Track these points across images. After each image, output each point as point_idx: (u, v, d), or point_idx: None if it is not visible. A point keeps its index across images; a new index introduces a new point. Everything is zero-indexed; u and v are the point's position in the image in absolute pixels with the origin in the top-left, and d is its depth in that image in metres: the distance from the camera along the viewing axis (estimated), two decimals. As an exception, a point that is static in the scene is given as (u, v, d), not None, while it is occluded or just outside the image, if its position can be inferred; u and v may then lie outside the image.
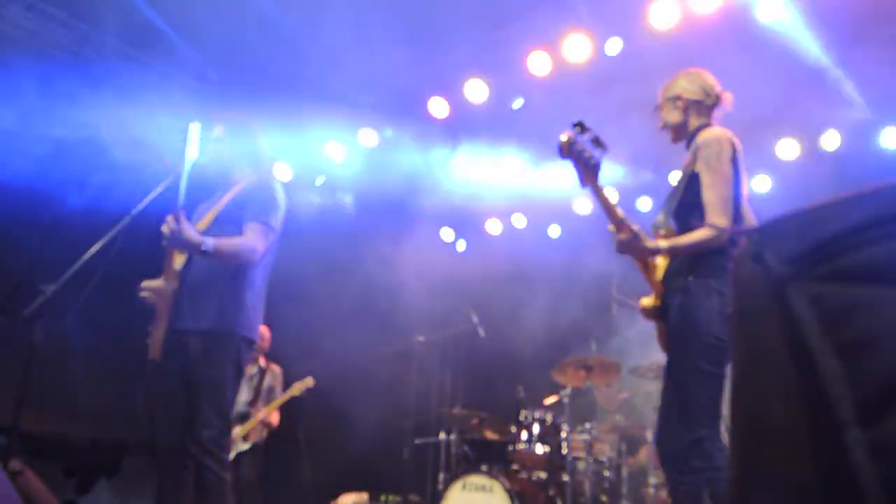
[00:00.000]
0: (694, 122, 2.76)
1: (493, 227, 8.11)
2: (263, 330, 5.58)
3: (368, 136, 7.02)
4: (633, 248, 2.55)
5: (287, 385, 5.62)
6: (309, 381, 5.29)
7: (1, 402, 4.39)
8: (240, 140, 3.27)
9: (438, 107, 6.42)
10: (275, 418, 5.44)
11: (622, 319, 4.94)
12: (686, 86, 2.77)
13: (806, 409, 0.50)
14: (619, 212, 2.59)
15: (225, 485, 2.82)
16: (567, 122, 2.49)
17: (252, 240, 2.98)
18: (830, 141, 5.93)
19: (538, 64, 5.71)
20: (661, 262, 2.70)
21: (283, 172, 7.25)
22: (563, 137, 2.44)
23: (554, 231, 7.86)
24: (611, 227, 2.62)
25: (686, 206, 2.60)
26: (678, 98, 2.77)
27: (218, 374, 2.87)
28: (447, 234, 8.40)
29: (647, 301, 2.70)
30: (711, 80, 2.79)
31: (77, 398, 6.20)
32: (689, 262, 2.56)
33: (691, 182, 2.59)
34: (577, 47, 5.47)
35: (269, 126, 6.70)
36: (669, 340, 2.62)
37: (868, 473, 0.45)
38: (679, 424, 2.47)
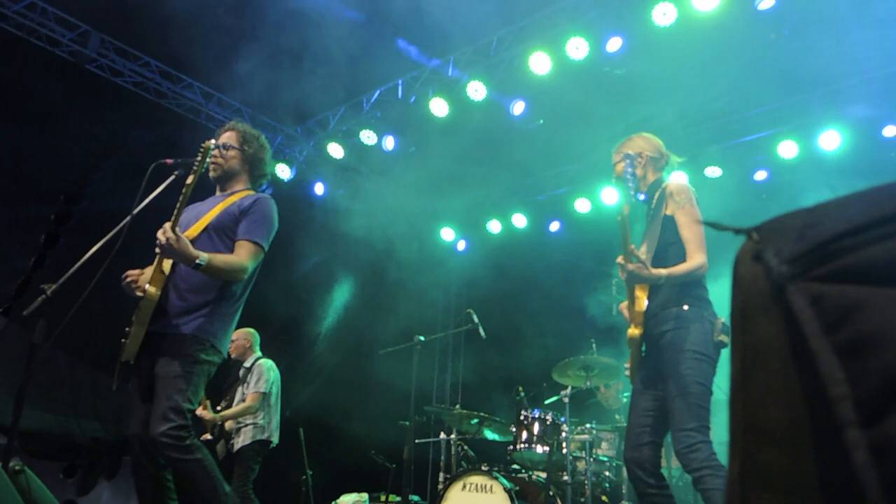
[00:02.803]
0: (651, 176, 3.18)
1: (494, 226, 8.12)
2: (245, 331, 5.61)
3: (368, 136, 7.02)
4: (640, 277, 2.87)
5: (292, 378, 5.63)
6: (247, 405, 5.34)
7: (1, 402, 4.39)
8: (247, 152, 3.26)
9: (438, 107, 6.43)
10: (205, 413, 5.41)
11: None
12: (643, 144, 3.21)
13: (806, 409, 0.50)
14: (631, 244, 2.88)
15: (198, 464, 2.77)
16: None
17: (243, 260, 2.98)
18: (830, 140, 5.93)
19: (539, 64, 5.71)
20: (640, 295, 3.01)
21: (283, 171, 7.26)
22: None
23: (554, 230, 7.86)
24: (620, 259, 2.91)
25: (665, 244, 2.99)
26: (640, 156, 3.17)
27: (177, 370, 2.84)
28: (447, 233, 8.41)
29: (636, 331, 2.99)
30: (660, 142, 3.27)
31: (77, 398, 6.20)
32: (679, 294, 2.93)
33: (666, 224, 3.00)
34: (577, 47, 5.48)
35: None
36: (664, 360, 2.89)
37: (869, 474, 0.45)
38: (675, 433, 2.76)
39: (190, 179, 2.91)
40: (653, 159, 3.20)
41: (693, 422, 2.71)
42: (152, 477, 2.83)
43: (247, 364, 5.60)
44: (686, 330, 2.85)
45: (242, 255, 2.99)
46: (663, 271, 2.88)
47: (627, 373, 3.15)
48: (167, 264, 2.97)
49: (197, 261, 2.79)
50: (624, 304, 3.22)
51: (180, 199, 2.87)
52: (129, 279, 2.99)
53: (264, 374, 5.52)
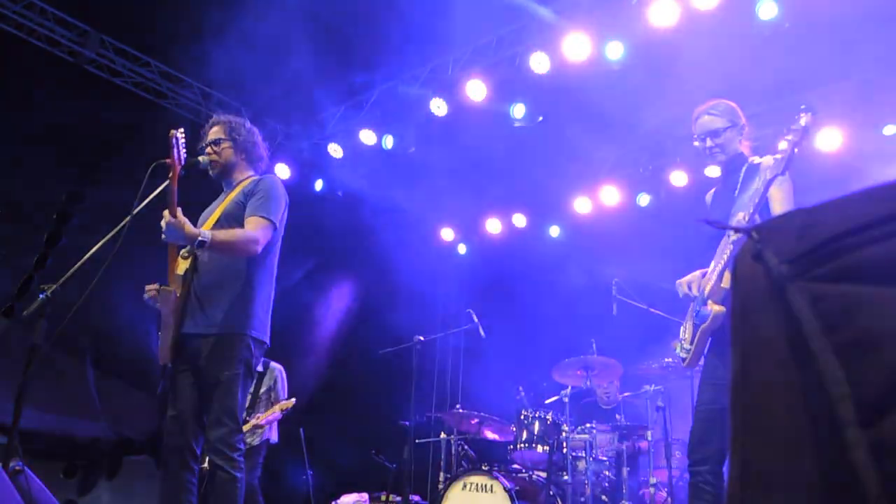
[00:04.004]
0: (738, 146, 2.97)
1: (493, 226, 8.11)
2: None
3: (368, 136, 7.02)
4: None
5: (292, 379, 5.62)
6: (290, 402, 5.31)
7: (1, 402, 4.39)
8: (238, 140, 3.27)
9: (438, 107, 6.42)
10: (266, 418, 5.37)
11: (622, 319, 4.93)
12: (740, 114, 2.99)
13: (806, 408, 0.50)
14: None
15: (236, 482, 2.81)
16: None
17: (251, 231, 2.96)
18: (830, 140, 5.93)
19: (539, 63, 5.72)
20: (727, 274, 2.73)
21: (282, 171, 7.26)
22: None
23: (554, 231, 7.86)
24: (741, 216, 2.69)
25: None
26: (743, 127, 2.97)
27: (226, 373, 2.87)
28: (447, 234, 8.40)
29: (722, 309, 2.71)
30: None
31: (77, 398, 6.20)
32: None
33: (761, 199, 2.73)
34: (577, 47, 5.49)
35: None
36: None
37: (868, 473, 0.45)
38: None
39: (171, 168, 2.90)
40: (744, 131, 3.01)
41: None
42: (179, 479, 2.85)
43: (259, 368, 5.57)
44: None
45: (249, 228, 2.98)
46: None
47: (683, 353, 2.88)
48: (182, 265, 2.98)
49: (200, 237, 2.78)
50: (690, 278, 2.89)
51: (168, 185, 2.87)
52: (148, 293, 3.02)
53: (284, 378, 5.58)
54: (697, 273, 2.89)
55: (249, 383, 2.99)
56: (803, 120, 2.58)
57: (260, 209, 3.03)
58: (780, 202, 2.72)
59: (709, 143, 2.96)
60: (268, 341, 3.09)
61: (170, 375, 2.97)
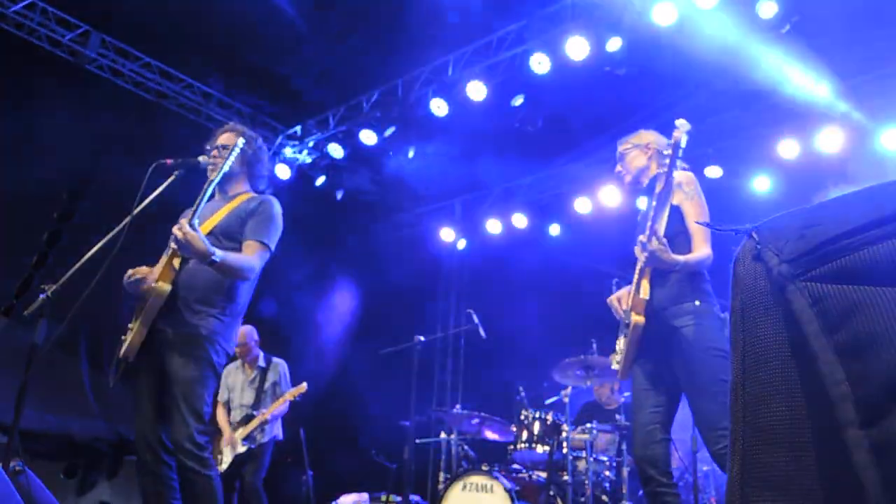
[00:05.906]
0: (655, 168, 3.20)
1: (493, 227, 8.11)
2: (249, 329, 5.55)
3: (368, 136, 7.02)
4: (661, 259, 2.81)
5: (294, 378, 5.62)
6: (302, 387, 5.31)
7: (1, 402, 4.39)
8: (247, 153, 3.27)
9: (438, 107, 6.42)
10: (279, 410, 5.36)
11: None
12: (653, 138, 3.26)
13: (806, 408, 0.50)
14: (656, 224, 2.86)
15: (209, 481, 2.80)
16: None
17: (252, 259, 3.00)
18: (830, 141, 5.93)
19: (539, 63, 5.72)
20: (646, 283, 2.93)
21: (282, 172, 7.26)
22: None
23: (554, 231, 7.86)
24: (642, 238, 2.86)
25: (671, 234, 2.92)
26: (647, 146, 3.24)
27: (190, 373, 2.86)
28: (447, 233, 8.40)
29: (641, 319, 2.90)
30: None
31: (77, 398, 6.20)
32: (691, 288, 2.90)
33: (673, 214, 2.94)
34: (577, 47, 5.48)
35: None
36: (681, 357, 2.83)
37: (869, 473, 0.45)
38: (708, 433, 2.72)
39: (213, 176, 2.95)
40: (659, 153, 3.20)
41: (725, 420, 2.60)
42: (156, 475, 2.84)
43: (261, 363, 5.59)
44: (703, 326, 2.82)
45: (251, 255, 3.01)
46: (680, 258, 2.82)
47: (616, 365, 3.05)
48: (178, 261, 2.97)
49: (212, 256, 2.79)
50: (620, 294, 3.15)
51: (201, 195, 2.89)
52: (134, 277, 2.98)
53: (287, 372, 5.57)
54: (626, 288, 3.10)
55: (214, 385, 2.98)
56: (677, 134, 2.78)
57: (260, 234, 3.06)
58: (694, 216, 2.92)
59: (617, 168, 3.32)
60: (232, 351, 3.09)
61: (137, 372, 2.95)
